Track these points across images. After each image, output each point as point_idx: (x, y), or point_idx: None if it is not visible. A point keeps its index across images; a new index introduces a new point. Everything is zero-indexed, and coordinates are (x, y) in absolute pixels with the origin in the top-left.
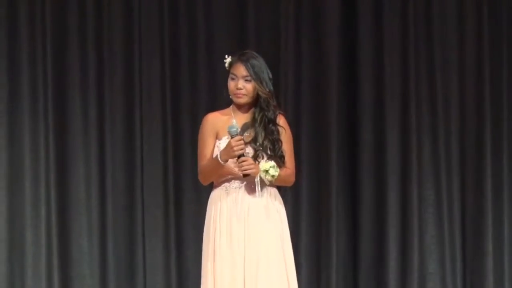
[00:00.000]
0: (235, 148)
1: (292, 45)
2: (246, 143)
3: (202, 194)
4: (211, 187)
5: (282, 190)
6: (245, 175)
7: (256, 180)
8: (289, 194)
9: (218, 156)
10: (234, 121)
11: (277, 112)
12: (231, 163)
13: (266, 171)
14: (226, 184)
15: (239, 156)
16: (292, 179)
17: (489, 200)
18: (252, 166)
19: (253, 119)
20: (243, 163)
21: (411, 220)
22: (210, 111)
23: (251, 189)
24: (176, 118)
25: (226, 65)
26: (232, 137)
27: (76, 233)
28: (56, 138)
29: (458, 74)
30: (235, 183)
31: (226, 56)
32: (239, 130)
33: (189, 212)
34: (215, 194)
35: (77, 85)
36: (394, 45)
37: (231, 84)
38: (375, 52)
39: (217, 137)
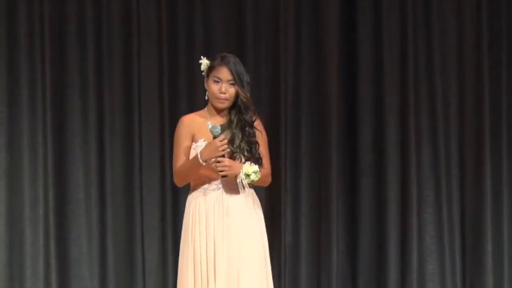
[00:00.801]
0: (220, 148)
1: (292, 47)
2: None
3: None
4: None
5: (282, 191)
6: (223, 176)
7: (238, 181)
8: (289, 195)
9: (198, 155)
10: (209, 123)
11: (255, 117)
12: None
13: (248, 175)
14: (204, 186)
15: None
16: (268, 179)
17: (488, 201)
18: (227, 168)
19: (229, 121)
20: (219, 164)
21: (410, 220)
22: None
23: (229, 190)
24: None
25: (203, 66)
26: (214, 137)
27: (75, 234)
28: (55, 138)
29: (457, 75)
30: (213, 185)
31: (202, 57)
32: (220, 130)
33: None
34: (192, 197)
35: (76, 85)
36: (393, 46)
37: (213, 88)
38: (375, 53)
39: (193, 139)
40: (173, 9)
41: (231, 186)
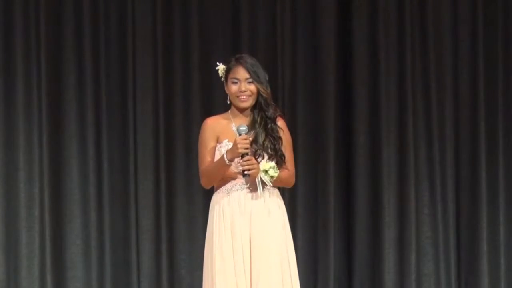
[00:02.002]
0: (239, 146)
1: (288, 50)
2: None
3: (194, 197)
4: (205, 191)
5: (280, 191)
6: (244, 175)
7: (257, 180)
8: (285, 196)
9: (225, 155)
10: (233, 125)
11: (277, 113)
12: (233, 168)
13: (266, 171)
14: (228, 186)
15: (242, 156)
16: (292, 180)
17: (484, 201)
18: (253, 166)
19: (253, 120)
20: (245, 162)
21: (406, 221)
22: (203, 115)
23: (252, 191)
24: (169, 122)
25: (220, 72)
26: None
27: (70, 235)
28: (50, 139)
29: (453, 75)
30: (237, 186)
31: (218, 64)
32: (247, 130)
33: (182, 214)
34: (216, 197)
35: (72, 86)
36: (390, 49)
37: (233, 88)
38: (371, 56)
39: (218, 141)
40: (168, 8)
41: (255, 186)
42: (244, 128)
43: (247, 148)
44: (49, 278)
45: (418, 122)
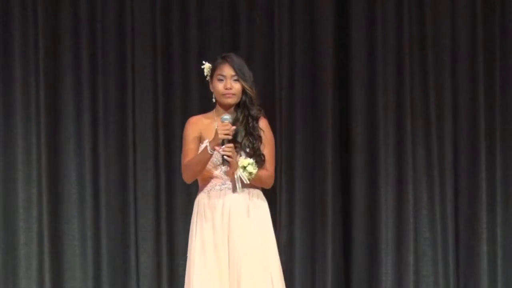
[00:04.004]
0: (219, 131)
1: (286, 50)
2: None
3: (193, 197)
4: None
5: (277, 192)
6: (224, 162)
7: (236, 177)
8: (283, 197)
9: (207, 145)
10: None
11: (260, 113)
12: (211, 166)
13: (244, 168)
14: (208, 187)
15: (223, 143)
16: (270, 181)
17: (483, 202)
18: (233, 152)
19: (235, 118)
20: (226, 148)
21: (404, 221)
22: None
23: (232, 190)
24: (168, 122)
25: (206, 71)
26: None
27: (69, 235)
28: (48, 140)
29: (451, 75)
30: (217, 186)
31: (204, 62)
32: (231, 119)
33: (181, 214)
34: (198, 198)
35: (70, 87)
36: (388, 48)
37: (219, 86)
38: (368, 55)
39: (201, 140)
40: (167, 10)
41: (234, 183)
42: (227, 116)
43: (227, 134)
44: (47, 278)
45: (416, 123)
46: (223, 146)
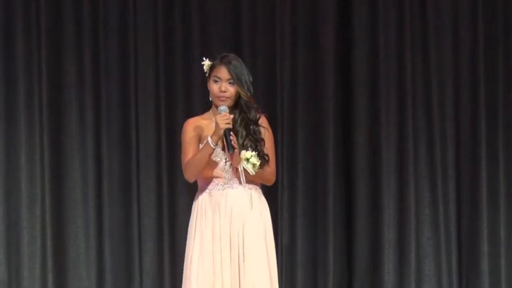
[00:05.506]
0: (219, 122)
1: (288, 50)
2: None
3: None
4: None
5: (278, 192)
6: (229, 149)
7: (239, 170)
8: (285, 196)
9: (209, 138)
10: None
11: (259, 115)
12: (216, 168)
13: (247, 159)
14: (210, 187)
15: (225, 135)
16: (272, 178)
17: (484, 202)
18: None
19: (233, 120)
20: (231, 137)
21: (407, 222)
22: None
23: (234, 189)
24: (170, 122)
25: (205, 68)
26: None
27: (72, 235)
28: (52, 139)
29: (453, 75)
30: (218, 186)
31: (204, 59)
32: (227, 110)
33: (184, 213)
34: (198, 198)
35: (73, 86)
36: (390, 48)
37: (214, 87)
38: (371, 56)
39: (200, 140)
40: (169, 9)
41: (237, 184)
42: (223, 107)
43: (228, 123)
44: (50, 277)
45: (418, 123)
46: (229, 135)
